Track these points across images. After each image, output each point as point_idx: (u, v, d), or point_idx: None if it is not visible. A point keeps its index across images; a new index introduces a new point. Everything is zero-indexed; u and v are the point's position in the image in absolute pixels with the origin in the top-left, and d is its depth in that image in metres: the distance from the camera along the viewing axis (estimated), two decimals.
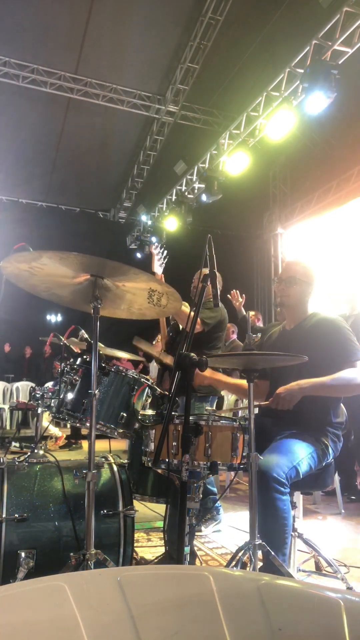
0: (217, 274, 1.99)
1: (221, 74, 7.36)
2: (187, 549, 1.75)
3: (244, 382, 2.56)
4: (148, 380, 2.37)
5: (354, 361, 2.18)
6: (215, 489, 3.41)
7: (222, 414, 2.33)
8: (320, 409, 2.24)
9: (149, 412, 2.31)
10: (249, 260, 10.06)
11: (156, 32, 6.88)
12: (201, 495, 1.95)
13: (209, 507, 3.29)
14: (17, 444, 6.11)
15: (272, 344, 2.51)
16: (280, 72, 6.10)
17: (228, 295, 4.22)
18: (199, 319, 3.20)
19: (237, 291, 4.01)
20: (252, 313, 4.86)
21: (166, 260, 3.35)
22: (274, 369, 2.38)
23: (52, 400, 2.45)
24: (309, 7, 5.55)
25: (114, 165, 9.80)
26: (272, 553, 1.82)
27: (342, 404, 2.38)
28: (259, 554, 1.82)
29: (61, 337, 2.46)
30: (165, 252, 3.37)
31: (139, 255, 10.45)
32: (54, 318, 12.30)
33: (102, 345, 2.70)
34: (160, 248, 3.38)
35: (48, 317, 12.31)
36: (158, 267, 3.32)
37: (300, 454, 2.06)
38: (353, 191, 7.86)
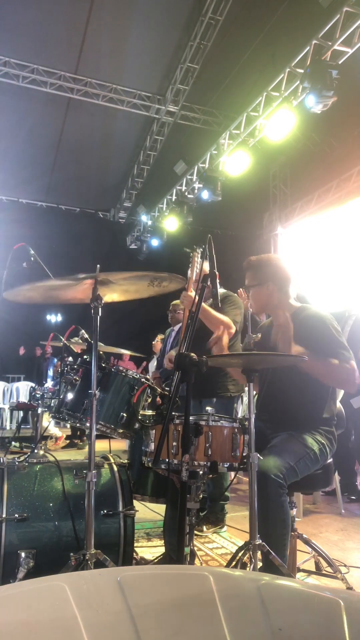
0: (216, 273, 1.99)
1: (221, 74, 7.36)
2: (187, 549, 1.75)
3: None
4: (148, 380, 2.37)
5: (341, 360, 2.15)
6: (228, 495, 3.39)
7: None
8: (311, 407, 2.23)
9: (149, 412, 2.31)
10: None
11: (156, 32, 6.88)
12: (201, 495, 1.95)
13: (217, 511, 3.28)
14: (17, 444, 6.12)
15: (260, 339, 2.51)
16: (280, 72, 6.11)
17: (235, 294, 4.20)
18: (232, 323, 3.15)
19: (243, 289, 4.00)
20: None
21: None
22: None
23: (52, 400, 2.45)
24: (309, 7, 5.55)
25: (114, 165, 9.80)
26: (272, 553, 1.82)
27: (338, 402, 2.38)
28: (259, 554, 1.82)
29: (61, 337, 2.46)
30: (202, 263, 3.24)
31: (140, 258, 10.44)
32: (54, 318, 12.29)
33: (103, 345, 2.70)
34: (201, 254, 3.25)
35: (48, 317, 12.31)
36: (194, 274, 3.24)
37: (298, 455, 2.06)
38: (353, 191, 7.86)
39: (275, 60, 6.47)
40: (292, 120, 5.94)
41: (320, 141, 8.40)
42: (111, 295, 2.06)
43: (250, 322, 2.13)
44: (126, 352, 3.15)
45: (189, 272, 3.16)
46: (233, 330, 3.14)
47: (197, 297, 1.90)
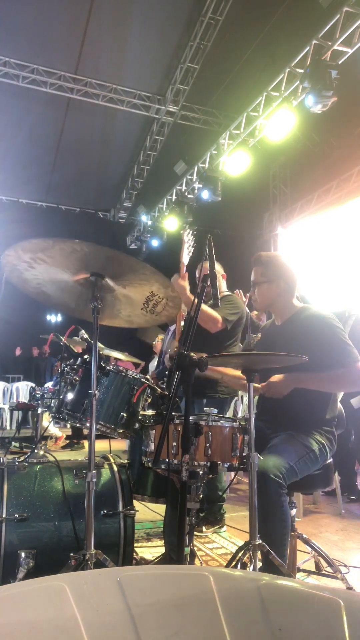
0: (218, 264, 1.98)
1: (221, 74, 7.36)
2: (187, 549, 1.75)
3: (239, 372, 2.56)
4: (148, 380, 2.37)
5: (348, 362, 2.15)
6: (224, 496, 3.40)
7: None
8: (312, 408, 2.23)
9: (149, 412, 2.31)
10: (249, 261, 10.02)
11: (156, 32, 6.88)
12: (201, 495, 1.95)
13: (215, 511, 3.28)
14: (17, 444, 6.13)
15: (261, 340, 2.51)
16: (280, 72, 6.11)
17: (235, 295, 4.19)
18: (220, 318, 3.14)
19: (241, 291, 3.98)
20: (254, 313, 4.84)
21: (194, 248, 3.14)
22: None
23: (52, 400, 2.45)
24: (309, 7, 5.55)
25: (114, 165, 9.80)
26: (272, 553, 1.82)
27: (339, 402, 2.38)
28: (259, 554, 1.82)
29: (61, 337, 2.46)
30: (194, 241, 3.15)
31: (140, 259, 10.41)
32: (54, 318, 12.30)
33: (102, 346, 2.70)
34: (192, 235, 3.11)
35: (48, 317, 12.31)
36: (186, 256, 3.09)
37: (297, 455, 2.06)
38: (353, 191, 7.86)
39: (275, 60, 6.47)
40: (292, 120, 5.93)
41: (320, 141, 8.40)
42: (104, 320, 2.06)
43: (250, 325, 2.13)
44: (122, 358, 3.13)
45: (181, 254, 3.09)
46: (220, 325, 3.13)
47: (196, 299, 1.88)
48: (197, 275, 3.46)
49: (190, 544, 1.92)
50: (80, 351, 2.38)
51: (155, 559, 2.62)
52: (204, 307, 2.97)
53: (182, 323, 3.41)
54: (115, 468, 2.24)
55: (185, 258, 3.10)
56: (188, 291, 3.08)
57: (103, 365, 2.21)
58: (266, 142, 6.72)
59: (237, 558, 1.86)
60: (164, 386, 2.59)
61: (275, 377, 2.16)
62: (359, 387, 2.25)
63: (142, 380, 2.31)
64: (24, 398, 8.02)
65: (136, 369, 8.15)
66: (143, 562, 2.59)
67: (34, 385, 6.71)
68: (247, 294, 4.10)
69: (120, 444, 5.53)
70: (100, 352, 2.25)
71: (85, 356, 2.28)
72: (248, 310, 3.05)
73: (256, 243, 10.26)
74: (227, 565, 1.97)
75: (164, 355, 4.93)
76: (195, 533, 2.94)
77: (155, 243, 10.04)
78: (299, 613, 0.76)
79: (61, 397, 2.26)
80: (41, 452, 2.25)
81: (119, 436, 2.30)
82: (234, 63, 7.06)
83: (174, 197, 9.17)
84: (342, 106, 5.56)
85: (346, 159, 7.90)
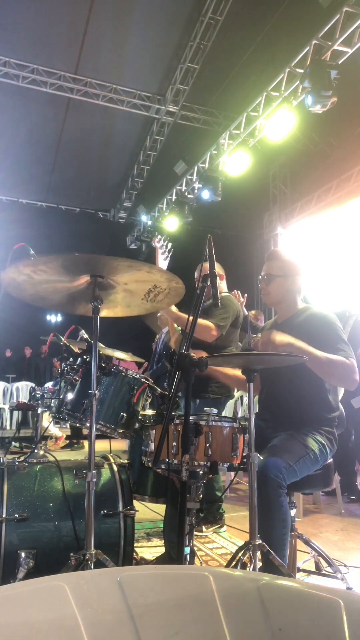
0: (218, 265, 1.97)
1: (221, 74, 7.36)
2: (187, 549, 1.75)
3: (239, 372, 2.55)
4: (148, 380, 2.37)
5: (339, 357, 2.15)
6: (223, 497, 3.40)
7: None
8: (312, 408, 2.23)
9: (149, 412, 2.31)
10: (249, 260, 10.06)
11: (156, 32, 6.88)
12: (201, 495, 1.95)
13: (214, 510, 3.28)
14: (17, 444, 6.13)
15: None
16: (280, 72, 6.10)
17: (230, 295, 4.17)
18: (213, 325, 3.13)
19: (239, 292, 3.97)
20: (252, 312, 4.84)
21: (170, 254, 3.12)
22: None
23: (52, 400, 2.45)
24: (309, 7, 5.55)
25: (114, 165, 9.80)
26: (272, 553, 1.82)
27: (339, 402, 2.38)
28: (259, 554, 1.82)
29: (61, 337, 2.46)
30: (170, 245, 3.12)
31: (140, 259, 10.41)
32: (54, 318, 12.29)
33: (102, 346, 2.70)
34: (164, 241, 3.10)
35: (48, 317, 12.30)
36: (162, 262, 3.07)
37: (298, 455, 2.06)
38: (353, 191, 7.86)
39: (275, 60, 6.47)
40: (292, 120, 5.93)
41: (320, 141, 8.40)
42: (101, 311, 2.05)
43: (247, 324, 2.12)
44: (125, 358, 3.10)
45: (156, 261, 3.02)
46: (215, 333, 3.11)
47: (190, 317, 1.86)
48: (195, 276, 3.46)
49: (190, 544, 1.92)
50: (80, 351, 2.38)
51: (155, 559, 2.63)
52: (200, 321, 2.93)
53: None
54: (115, 468, 2.24)
55: (163, 264, 3.04)
56: (176, 310, 3.04)
57: (103, 365, 2.21)
58: (266, 142, 6.72)
59: (237, 558, 1.86)
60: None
61: (278, 334, 2.09)
62: (347, 382, 2.19)
63: (142, 380, 2.31)
64: (24, 398, 8.02)
65: (139, 368, 8.16)
66: (143, 562, 2.59)
67: (34, 385, 6.71)
68: (245, 295, 4.10)
69: (120, 444, 5.53)
70: (101, 352, 2.25)
71: (85, 356, 2.28)
72: (246, 312, 3.04)
73: (256, 243, 10.26)
74: (227, 565, 1.97)
75: (157, 356, 4.92)
76: (195, 533, 2.94)
77: (157, 234, 10.03)
78: (299, 613, 0.76)
79: (61, 397, 2.26)
80: (41, 452, 2.25)
81: (119, 436, 2.30)
82: (234, 63, 7.07)
83: (174, 197, 9.17)
84: (342, 106, 5.56)
85: (346, 159, 7.90)
